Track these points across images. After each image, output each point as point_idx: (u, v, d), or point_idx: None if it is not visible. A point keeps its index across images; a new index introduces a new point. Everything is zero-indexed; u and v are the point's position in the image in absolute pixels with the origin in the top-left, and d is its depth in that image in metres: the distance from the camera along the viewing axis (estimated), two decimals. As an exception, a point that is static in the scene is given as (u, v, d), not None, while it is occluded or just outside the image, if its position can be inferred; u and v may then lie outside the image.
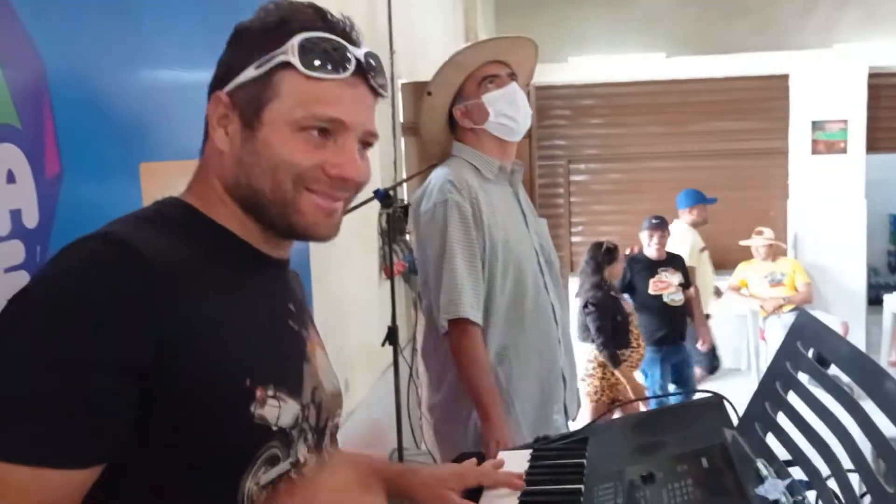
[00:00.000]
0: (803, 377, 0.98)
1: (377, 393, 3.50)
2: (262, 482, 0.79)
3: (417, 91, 3.98)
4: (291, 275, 0.97)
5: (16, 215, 1.16)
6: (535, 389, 1.88)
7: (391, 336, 3.08)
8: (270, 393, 0.80)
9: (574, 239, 6.76)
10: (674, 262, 4.52)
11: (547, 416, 1.87)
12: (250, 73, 0.83)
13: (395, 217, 3.51)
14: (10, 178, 1.15)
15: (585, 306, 3.99)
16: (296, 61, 0.81)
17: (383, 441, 3.51)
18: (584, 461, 1.19)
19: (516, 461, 1.23)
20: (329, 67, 0.82)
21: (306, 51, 0.82)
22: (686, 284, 4.48)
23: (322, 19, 0.85)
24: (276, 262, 0.90)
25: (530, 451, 1.29)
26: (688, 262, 4.62)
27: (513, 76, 1.88)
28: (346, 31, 0.86)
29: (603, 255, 4.02)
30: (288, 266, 0.95)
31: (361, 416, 3.26)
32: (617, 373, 3.93)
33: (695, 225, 5.00)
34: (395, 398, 3.20)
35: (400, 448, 3.28)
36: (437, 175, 1.86)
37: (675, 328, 4.42)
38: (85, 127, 1.33)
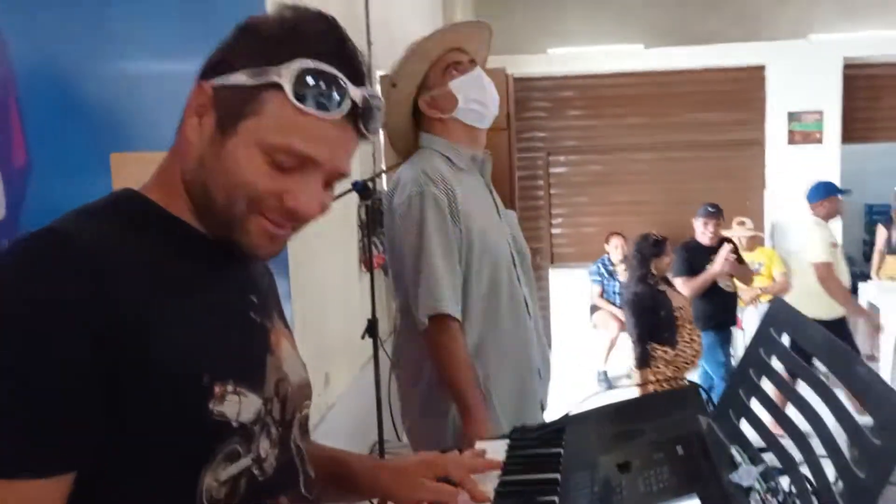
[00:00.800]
0: (777, 364, 0.98)
1: (358, 386, 3.50)
2: (221, 478, 0.78)
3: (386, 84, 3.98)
4: (256, 266, 0.94)
5: (-18, 207, 1.14)
6: (512, 383, 1.86)
7: (371, 329, 3.07)
8: (230, 388, 0.78)
9: (554, 231, 6.79)
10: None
11: (524, 409, 1.86)
12: (241, 78, 0.79)
13: (373, 209, 3.50)
14: (-25, 169, 1.13)
15: (633, 299, 3.89)
16: (288, 89, 0.77)
17: (364, 434, 3.50)
18: (561, 450, 1.18)
19: (494, 451, 1.22)
20: (320, 105, 0.78)
21: (302, 82, 0.77)
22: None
23: (334, 47, 0.81)
24: (234, 251, 0.86)
25: (507, 440, 1.29)
26: (819, 259, 4.36)
27: (473, 62, 1.86)
28: (354, 66, 0.82)
29: (650, 247, 3.91)
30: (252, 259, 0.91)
31: (342, 409, 3.25)
32: (638, 373, 3.80)
33: (826, 218, 4.61)
34: (376, 391, 3.19)
35: (381, 441, 3.28)
36: (408, 167, 1.83)
37: (731, 313, 4.47)
38: (53, 116, 1.31)
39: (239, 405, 0.79)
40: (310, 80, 0.78)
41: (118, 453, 0.73)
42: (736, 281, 4.54)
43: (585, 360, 6.07)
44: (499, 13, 6.33)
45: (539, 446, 1.24)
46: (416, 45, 1.83)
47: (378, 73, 3.68)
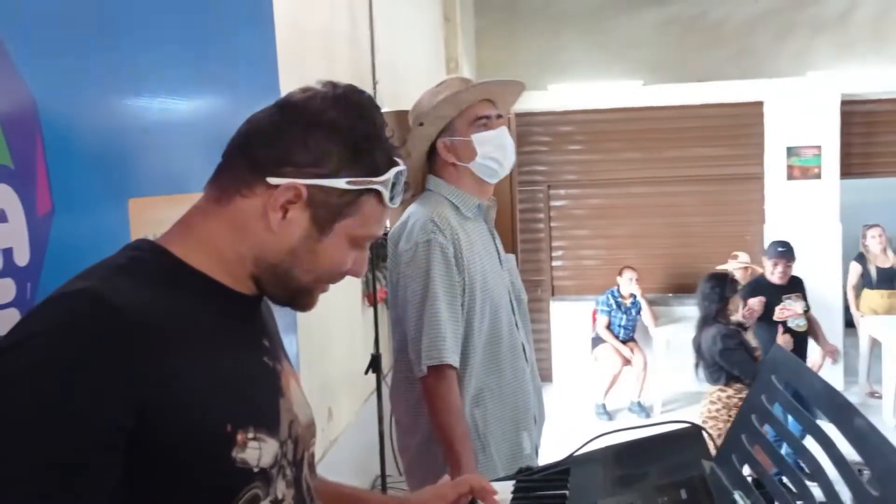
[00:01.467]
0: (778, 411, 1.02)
1: (360, 420, 3.50)
2: None
3: (400, 120, 4.02)
4: (265, 307, 0.99)
5: (7, 254, 1.18)
6: (510, 431, 1.88)
7: (374, 364, 3.09)
8: (251, 435, 0.82)
9: (555, 263, 6.82)
10: (797, 287, 4.51)
11: (520, 456, 1.87)
12: (340, 184, 0.87)
13: (378, 244, 3.54)
14: (3, 217, 1.17)
15: (718, 342, 3.65)
16: (386, 196, 0.90)
17: (367, 468, 3.50)
18: (567, 492, 1.21)
19: (499, 493, 1.24)
20: (394, 199, 0.91)
21: (393, 185, 0.90)
22: (807, 309, 4.48)
23: (397, 146, 0.93)
24: (250, 299, 0.92)
25: (513, 482, 1.31)
26: None
27: (500, 117, 1.90)
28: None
29: (730, 285, 3.81)
30: (261, 300, 0.96)
31: (345, 443, 3.26)
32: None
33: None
34: (379, 426, 3.20)
35: (383, 475, 3.28)
36: (416, 212, 1.85)
37: (801, 353, 4.43)
38: (75, 164, 1.35)
39: (259, 451, 0.82)
40: (397, 182, 0.90)
41: (144, 502, 0.75)
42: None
43: (585, 393, 6.06)
44: (500, 51, 6.44)
45: (544, 488, 1.26)
46: (452, 94, 1.84)
47: (382, 110, 3.74)
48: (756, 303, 4.27)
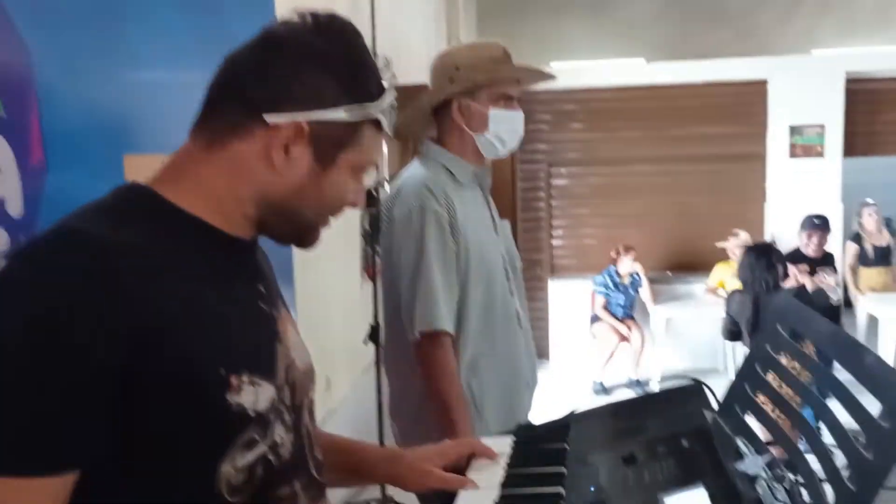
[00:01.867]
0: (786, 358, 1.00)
1: (359, 391, 3.51)
2: (239, 465, 0.80)
3: (400, 94, 4.00)
4: (260, 253, 0.97)
5: (0, 205, 1.16)
6: (504, 398, 1.87)
7: (373, 334, 3.09)
8: (245, 379, 0.80)
9: (555, 242, 6.80)
10: (830, 261, 4.47)
11: (514, 421, 1.87)
12: (340, 114, 0.85)
13: (377, 218, 3.52)
14: (-5, 165, 1.15)
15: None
16: (384, 123, 0.89)
17: (365, 438, 3.51)
18: (566, 445, 1.20)
19: (499, 448, 1.24)
20: (391, 125, 0.92)
21: (388, 112, 0.90)
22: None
23: (384, 72, 0.92)
24: (245, 243, 0.90)
25: (512, 437, 1.30)
26: None
27: (518, 101, 1.89)
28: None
29: (774, 253, 3.82)
30: (256, 245, 0.95)
31: (344, 413, 3.26)
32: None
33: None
34: (377, 396, 3.20)
35: (382, 444, 3.29)
36: (411, 177, 1.83)
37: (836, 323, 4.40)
38: (70, 119, 1.34)
39: (255, 395, 0.81)
40: (390, 108, 0.89)
41: (137, 445, 0.74)
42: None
43: (582, 370, 6.07)
44: (501, 27, 6.39)
45: (544, 442, 1.25)
46: (494, 63, 1.82)
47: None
48: (799, 269, 4.23)
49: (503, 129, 1.85)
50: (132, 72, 1.57)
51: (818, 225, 4.45)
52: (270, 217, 0.88)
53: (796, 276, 4.02)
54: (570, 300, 6.41)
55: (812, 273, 4.32)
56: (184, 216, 0.84)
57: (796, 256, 4.49)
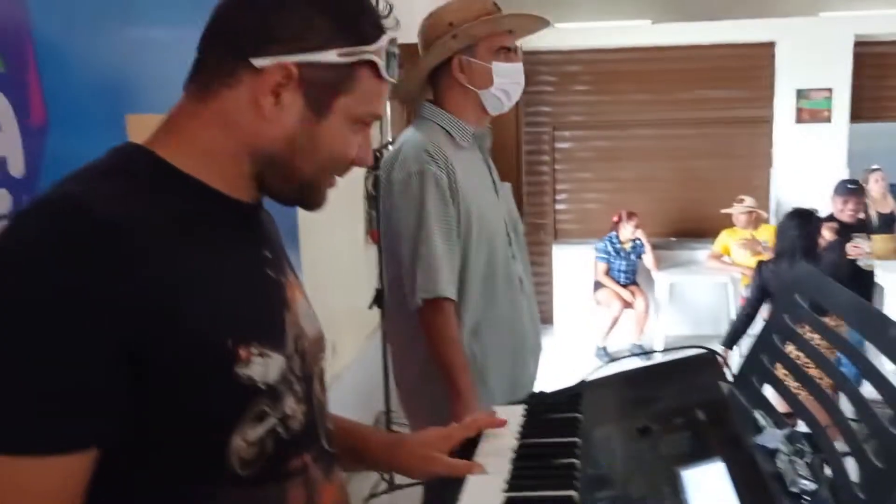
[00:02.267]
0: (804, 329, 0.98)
1: (364, 356, 3.50)
2: (250, 438, 0.78)
3: (405, 53, 3.93)
4: (266, 217, 0.93)
5: (1, 164, 1.13)
6: (508, 363, 1.86)
7: (378, 298, 3.07)
8: (254, 350, 0.77)
9: (558, 206, 6.76)
10: (865, 227, 4.39)
11: (519, 387, 1.86)
12: (332, 57, 0.80)
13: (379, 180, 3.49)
14: (-5, 124, 1.12)
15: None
16: (382, 66, 0.83)
17: (370, 403, 3.52)
18: (579, 415, 1.18)
19: (510, 417, 1.22)
20: (391, 73, 0.85)
21: (388, 55, 0.83)
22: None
23: (387, 15, 0.86)
24: (248, 206, 0.86)
25: (524, 406, 1.29)
26: None
27: (517, 52, 1.85)
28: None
29: (815, 219, 3.63)
30: (261, 208, 0.91)
31: (349, 378, 3.26)
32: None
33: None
34: (382, 361, 3.20)
35: (388, 410, 3.29)
36: (409, 140, 1.79)
37: (869, 293, 4.36)
38: (70, 77, 1.30)
39: (265, 366, 0.78)
40: (392, 52, 0.84)
41: (147, 421, 0.72)
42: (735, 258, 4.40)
43: (586, 336, 6.08)
44: (506, -14, 6.26)
45: (556, 411, 1.24)
46: (490, 16, 1.78)
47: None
48: (830, 231, 4.13)
49: (506, 81, 1.82)
50: (132, 28, 1.53)
51: (853, 190, 4.34)
52: (267, 172, 0.83)
53: (827, 236, 3.91)
54: (574, 265, 6.39)
55: (848, 240, 4.24)
56: (182, 178, 0.80)
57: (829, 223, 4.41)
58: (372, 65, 0.82)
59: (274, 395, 0.80)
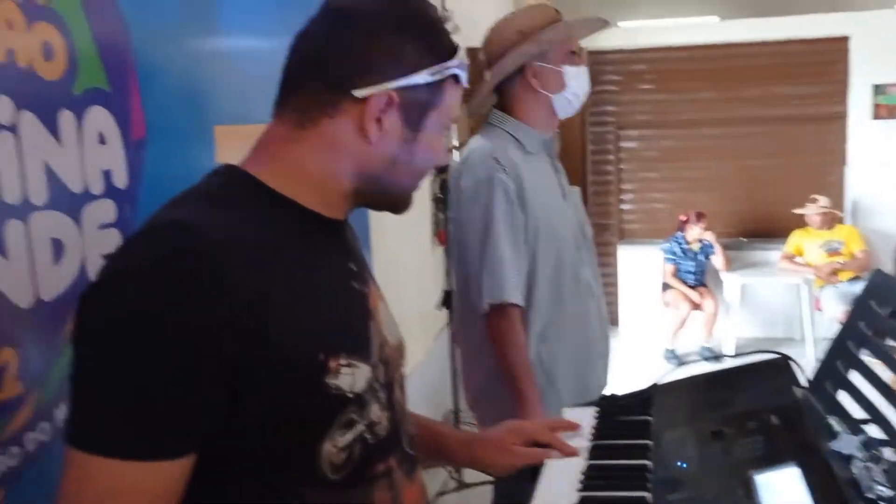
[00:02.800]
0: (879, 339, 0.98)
1: (433, 355, 3.56)
2: (339, 444, 0.82)
3: (471, 57, 3.96)
4: (349, 230, 0.98)
5: (107, 176, 1.22)
6: (576, 367, 1.88)
7: (447, 299, 3.12)
8: (343, 362, 0.82)
9: (623, 206, 6.70)
10: None
11: (587, 391, 1.87)
12: (424, 77, 0.86)
13: (447, 182, 3.54)
14: (101, 139, 1.21)
15: None
16: (462, 76, 0.90)
17: (439, 402, 3.57)
18: (650, 418, 1.21)
19: (582, 418, 1.25)
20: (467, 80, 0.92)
21: (464, 65, 0.90)
22: None
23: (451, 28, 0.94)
24: (338, 223, 0.92)
25: (595, 408, 1.31)
26: None
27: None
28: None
29: None
30: (347, 223, 0.96)
31: (418, 378, 3.32)
32: None
33: None
34: (451, 361, 3.25)
35: (456, 410, 3.35)
36: (478, 147, 1.83)
37: None
38: (166, 91, 1.38)
39: (353, 377, 0.83)
40: (465, 60, 0.90)
41: (242, 429, 0.76)
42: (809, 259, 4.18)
43: (653, 338, 6.02)
44: (570, -15, 6.24)
45: (627, 414, 1.26)
46: (562, 23, 1.84)
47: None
48: None
49: (577, 84, 1.86)
50: (216, 42, 1.61)
51: None
52: (367, 189, 0.89)
53: None
54: (640, 266, 6.33)
55: None
56: (279, 199, 0.85)
57: None
58: (454, 76, 0.89)
59: (361, 403, 0.84)
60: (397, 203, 0.94)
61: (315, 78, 0.86)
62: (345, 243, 0.95)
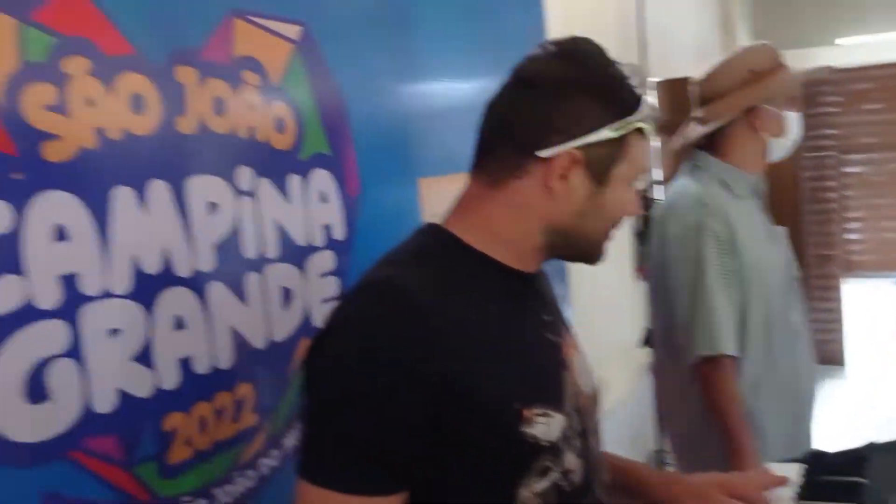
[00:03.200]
0: None
1: (636, 392, 3.49)
2: (536, 490, 0.86)
3: (673, 89, 3.88)
4: (543, 279, 1.02)
5: (327, 229, 1.37)
6: (787, 420, 1.77)
7: (649, 337, 3.06)
8: (538, 411, 0.86)
9: (849, 237, 6.18)
10: None
11: (797, 445, 1.76)
12: (606, 133, 0.89)
13: (648, 218, 3.48)
14: (323, 198, 1.36)
15: None
16: (647, 128, 0.92)
17: (642, 441, 3.49)
18: (864, 480, 1.13)
19: (788, 475, 1.20)
20: (653, 132, 0.94)
21: (649, 116, 0.92)
22: None
23: (634, 79, 0.94)
24: (532, 276, 0.97)
25: (802, 465, 1.25)
26: None
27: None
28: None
29: None
30: (541, 273, 1.01)
31: (619, 415, 3.27)
32: None
33: None
34: (653, 401, 3.17)
35: (660, 450, 3.26)
36: (685, 191, 1.79)
37: None
38: (376, 149, 1.52)
39: (547, 426, 0.87)
40: (650, 112, 0.92)
41: (444, 474, 0.83)
42: None
43: (884, 380, 5.45)
44: (780, 5, 5.92)
45: (838, 474, 1.19)
46: (799, 70, 1.84)
47: (653, 79, 3.65)
48: None
49: (794, 131, 1.80)
50: (423, 98, 1.71)
51: None
52: (558, 243, 0.93)
53: None
54: (869, 301, 5.79)
55: None
56: (478, 256, 0.92)
57: None
58: (639, 129, 0.91)
59: (555, 452, 0.88)
60: (590, 255, 0.97)
61: (503, 142, 0.92)
62: (539, 295, 1.00)
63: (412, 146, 1.68)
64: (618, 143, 0.90)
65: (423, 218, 1.64)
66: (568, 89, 0.90)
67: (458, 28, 1.85)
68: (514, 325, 0.92)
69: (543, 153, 0.89)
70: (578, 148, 0.88)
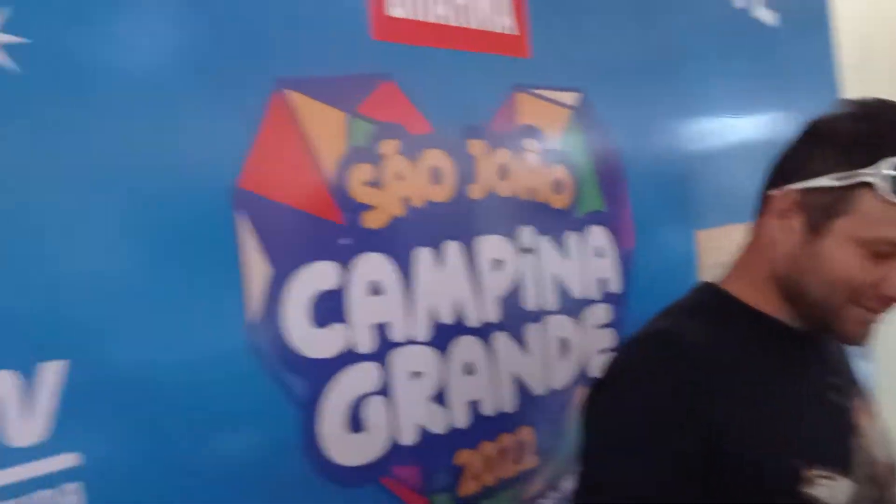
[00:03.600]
0: None
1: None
2: None
3: None
4: (831, 343, 0.98)
5: (603, 283, 1.42)
6: None
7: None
8: (819, 472, 0.83)
9: None
10: None
11: None
12: (828, 181, 0.86)
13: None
14: (599, 253, 1.42)
15: None
16: (884, 187, 0.83)
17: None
18: None
19: None
20: None
21: (891, 178, 0.83)
22: None
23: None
24: (809, 334, 0.93)
25: None
26: None
27: None
28: None
29: None
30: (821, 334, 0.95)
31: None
32: None
33: None
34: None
35: None
36: None
37: None
38: (651, 203, 1.54)
39: (831, 489, 0.84)
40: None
41: None
42: None
43: None
44: None
45: None
46: None
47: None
48: None
49: None
50: (698, 146, 1.69)
51: None
52: (784, 294, 0.91)
53: None
54: None
55: None
56: (752, 313, 0.92)
57: None
58: (870, 186, 0.83)
59: None
60: (825, 323, 0.89)
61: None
62: (823, 356, 0.97)
63: (689, 197, 1.68)
64: (839, 195, 0.85)
65: (699, 270, 1.64)
66: (816, 136, 0.90)
67: (733, 66, 1.79)
68: (791, 384, 0.90)
69: (769, 192, 0.91)
70: (798, 191, 0.88)
